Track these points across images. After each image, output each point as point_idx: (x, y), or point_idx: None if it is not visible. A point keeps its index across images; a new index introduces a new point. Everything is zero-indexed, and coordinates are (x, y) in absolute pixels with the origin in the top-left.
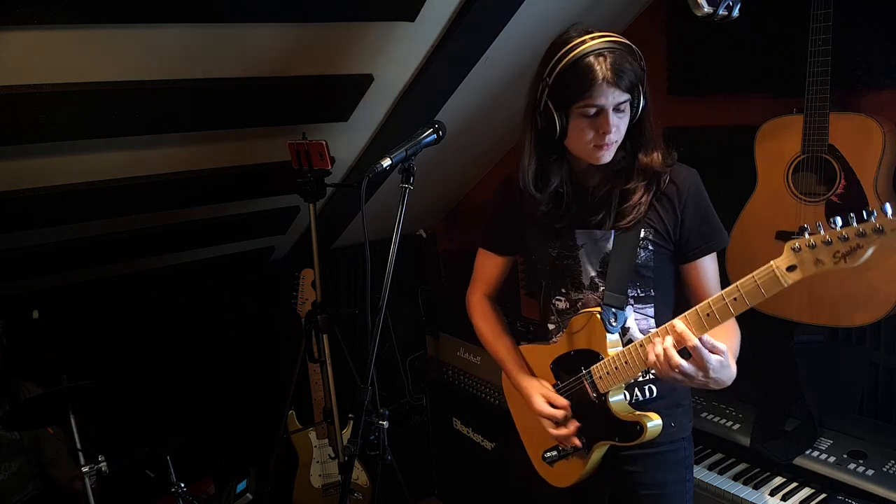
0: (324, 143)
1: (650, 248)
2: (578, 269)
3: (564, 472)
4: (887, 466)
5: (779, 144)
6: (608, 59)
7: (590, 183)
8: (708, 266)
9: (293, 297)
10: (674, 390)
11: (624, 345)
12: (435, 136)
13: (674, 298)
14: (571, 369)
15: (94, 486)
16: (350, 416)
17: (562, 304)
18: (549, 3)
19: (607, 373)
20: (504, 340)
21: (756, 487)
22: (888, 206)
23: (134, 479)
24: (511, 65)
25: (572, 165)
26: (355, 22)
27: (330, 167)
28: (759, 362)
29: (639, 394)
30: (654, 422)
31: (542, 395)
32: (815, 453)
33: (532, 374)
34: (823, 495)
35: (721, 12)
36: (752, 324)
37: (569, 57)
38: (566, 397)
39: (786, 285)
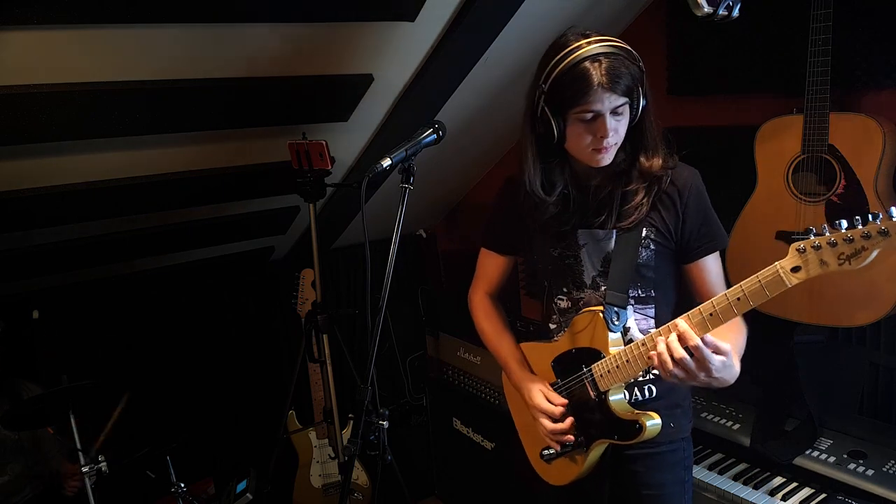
0: (324, 143)
1: (652, 247)
2: (580, 268)
3: (562, 470)
4: (887, 466)
5: (779, 144)
6: (603, 64)
7: (591, 183)
8: (711, 265)
9: (293, 297)
10: (673, 391)
11: (625, 344)
12: (435, 136)
13: (674, 300)
14: (572, 367)
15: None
16: (350, 416)
17: (564, 304)
18: (549, 3)
19: (608, 371)
20: (505, 338)
21: (756, 487)
22: (894, 210)
23: (134, 479)
24: (511, 65)
25: (573, 167)
26: (355, 22)
27: (330, 167)
28: (759, 362)
29: (638, 394)
30: (653, 421)
31: (540, 391)
32: (815, 453)
33: (532, 372)
34: (823, 495)
35: (721, 12)
36: (752, 324)
37: (564, 63)
38: (566, 395)
39: (790, 286)
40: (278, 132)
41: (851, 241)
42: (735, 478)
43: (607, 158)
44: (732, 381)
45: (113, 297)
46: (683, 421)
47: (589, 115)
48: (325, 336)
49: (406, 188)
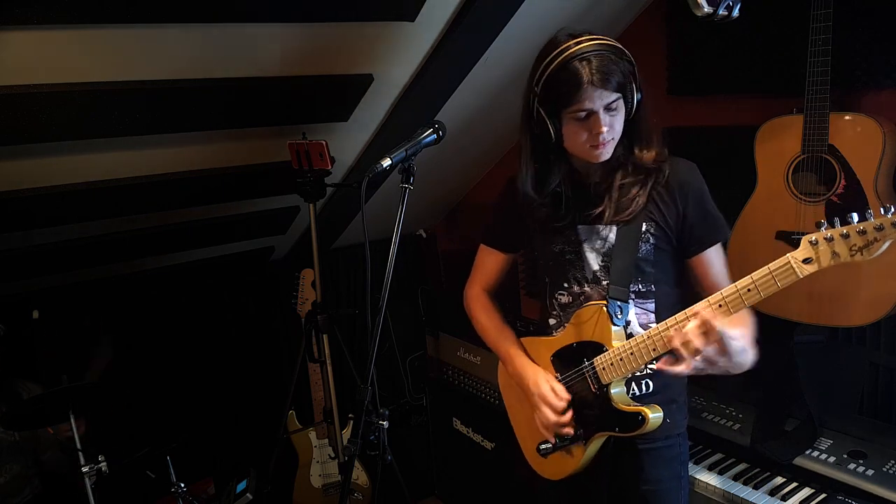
0: (324, 143)
1: (651, 241)
2: (581, 263)
3: (558, 464)
4: (887, 466)
5: (779, 144)
6: (593, 63)
7: (592, 179)
8: (714, 258)
9: (293, 297)
10: (669, 386)
11: (626, 338)
12: (435, 136)
13: (675, 295)
14: (573, 361)
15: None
16: (350, 416)
17: (564, 299)
18: (549, 3)
19: (611, 364)
20: (506, 331)
21: (756, 487)
22: None
23: (134, 479)
24: (511, 65)
25: (573, 164)
26: (355, 22)
27: (330, 167)
28: (759, 362)
29: (635, 388)
30: (655, 412)
31: (546, 381)
32: (815, 453)
33: None
34: (823, 495)
35: (721, 12)
36: None
37: (553, 65)
38: (566, 389)
39: (801, 276)
40: (278, 132)
41: (864, 232)
42: (735, 478)
43: (606, 153)
44: (749, 366)
45: (113, 297)
46: (679, 416)
47: (583, 114)
48: (325, 336)
49: (406, 188)
